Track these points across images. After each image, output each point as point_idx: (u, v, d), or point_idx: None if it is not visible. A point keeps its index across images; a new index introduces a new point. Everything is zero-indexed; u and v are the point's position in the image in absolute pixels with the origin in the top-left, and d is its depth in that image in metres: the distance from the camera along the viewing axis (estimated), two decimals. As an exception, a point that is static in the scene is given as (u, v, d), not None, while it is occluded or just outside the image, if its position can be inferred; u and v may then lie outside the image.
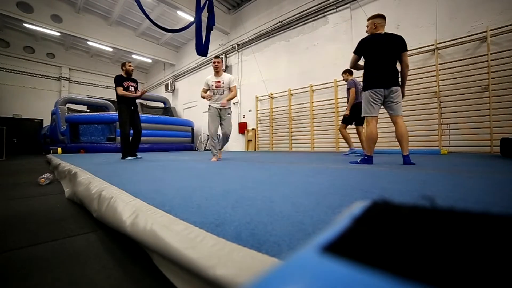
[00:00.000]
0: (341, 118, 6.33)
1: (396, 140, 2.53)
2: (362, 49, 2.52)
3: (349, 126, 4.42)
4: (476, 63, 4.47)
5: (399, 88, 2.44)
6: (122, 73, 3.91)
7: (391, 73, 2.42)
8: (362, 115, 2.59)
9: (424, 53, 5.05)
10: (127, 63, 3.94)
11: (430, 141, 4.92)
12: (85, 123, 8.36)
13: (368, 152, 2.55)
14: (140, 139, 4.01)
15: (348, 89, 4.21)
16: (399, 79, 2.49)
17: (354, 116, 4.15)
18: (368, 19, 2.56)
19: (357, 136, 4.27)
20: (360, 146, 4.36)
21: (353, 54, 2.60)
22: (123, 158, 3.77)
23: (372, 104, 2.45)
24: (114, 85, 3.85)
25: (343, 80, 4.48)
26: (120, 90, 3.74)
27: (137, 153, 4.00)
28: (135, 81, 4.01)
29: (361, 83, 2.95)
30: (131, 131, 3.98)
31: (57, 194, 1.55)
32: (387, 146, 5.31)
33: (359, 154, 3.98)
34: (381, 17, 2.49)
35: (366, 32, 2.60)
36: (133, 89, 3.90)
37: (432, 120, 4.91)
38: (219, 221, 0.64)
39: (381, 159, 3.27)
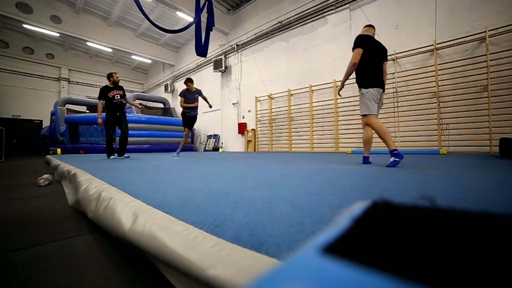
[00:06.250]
0: (341, 118, 6.44)
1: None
2: (365, 44, 2.42)
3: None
4: (475, 63, 4.49)
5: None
6: (109, 83, 4.21)
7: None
8: (362, 113, 2.47)
9: (424, 53, 5.07)
10: (113, 74, 4.25)
11: (430, 141, 4.92)
12: (85, 124, 8.35)
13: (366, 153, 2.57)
14: (126, 141, 4.42)
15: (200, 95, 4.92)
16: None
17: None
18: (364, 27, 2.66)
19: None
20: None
21: (359, 48, 2.40)
22: (108, 157, 4.24)
23: (374, 102, 2.40)
24: (99, 90, 4.27)
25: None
26: (100, 104, 4.13)
27: (125, 153, 4.45)
28: (120, 88, 4.34)
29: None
30: (118, 134, 4.38)
31: (56, 195, 1.54)
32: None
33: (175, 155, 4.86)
34: (372, 26, 2.62)
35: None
36: (118, 97, 4.23)
37: (431, 120, 4.92)
38: (219, 221, 0.64)
39: (378, 159, 3.27)
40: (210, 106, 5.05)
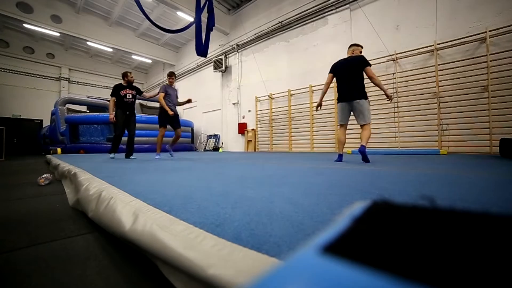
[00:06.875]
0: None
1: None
2: (332, 70, 3.03)
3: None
4: (476, 64, 4.49)
5: (361, 101, 2.78)
6: (123, 82, 4.27)
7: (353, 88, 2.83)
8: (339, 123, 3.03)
9: (424, 53, 5.07)
10: (128, 73, 4.29)
11: (430, 142, 4.92)
12: (85, 123, 8.35)
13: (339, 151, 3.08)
14: (133, 143, 4.36)
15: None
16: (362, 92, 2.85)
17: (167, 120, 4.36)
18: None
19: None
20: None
21: (329, 74, 3.06)
22: (109, 153, 4.27)
23: (341, 114, 2.98)
24: (112, 87, 4.27)
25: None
26: (112, 100, 4.15)
27: (131, 155, 4.34)
28: (133, 88, 4.36)
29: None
30: (126, 134, 4.30)
31: (57, 195, 1.54)
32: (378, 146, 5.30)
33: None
34: (352, 45, 3.02)
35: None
36: (130, 96, 4.27)
37: (431, 120, 4.92)
38: (219, 221, 0.64)
39: (379, 159, 3.27)
40: (185, 103, 4.59)
